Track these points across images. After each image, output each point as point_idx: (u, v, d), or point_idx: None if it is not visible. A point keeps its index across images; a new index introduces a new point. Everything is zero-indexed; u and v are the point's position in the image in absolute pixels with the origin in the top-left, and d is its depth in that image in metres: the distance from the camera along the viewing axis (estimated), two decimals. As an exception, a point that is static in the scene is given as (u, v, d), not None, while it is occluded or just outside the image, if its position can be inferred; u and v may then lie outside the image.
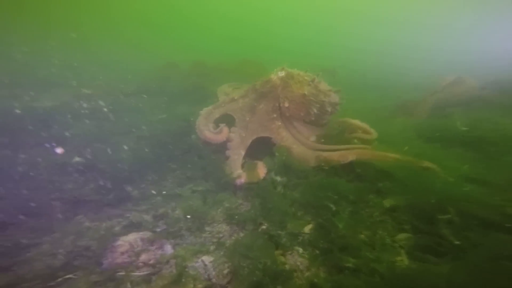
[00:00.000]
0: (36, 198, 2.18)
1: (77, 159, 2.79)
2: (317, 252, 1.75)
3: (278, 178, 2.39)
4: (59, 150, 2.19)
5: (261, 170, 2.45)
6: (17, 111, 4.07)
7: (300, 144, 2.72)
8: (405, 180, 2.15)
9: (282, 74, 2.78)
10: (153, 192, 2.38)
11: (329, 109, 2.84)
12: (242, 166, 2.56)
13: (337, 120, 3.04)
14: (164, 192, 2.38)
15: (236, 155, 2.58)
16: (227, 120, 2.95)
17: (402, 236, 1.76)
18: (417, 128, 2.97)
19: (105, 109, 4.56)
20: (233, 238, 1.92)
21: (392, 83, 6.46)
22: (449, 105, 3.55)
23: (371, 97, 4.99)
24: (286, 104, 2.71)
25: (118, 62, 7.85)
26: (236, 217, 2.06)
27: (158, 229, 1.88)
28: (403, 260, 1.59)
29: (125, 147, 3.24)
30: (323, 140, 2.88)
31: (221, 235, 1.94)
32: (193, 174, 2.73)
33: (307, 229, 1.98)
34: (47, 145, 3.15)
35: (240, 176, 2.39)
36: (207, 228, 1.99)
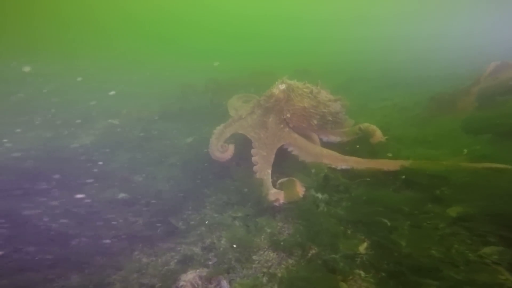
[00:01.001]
0: (96, 235, 2.30)
1: (122, 195, 2.95)
2: (383, 274, 1.57)
3: (320, 196, 2.28)
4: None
5: (300, 188, 2.36)
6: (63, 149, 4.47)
7: (314, 145, 2.72)
8: (467, 184, 1.90)
9: (283, 87, 2.81)
10: (196, 222, 2.39)
11: (330, 119, 2.81)
12: (274, 185, 2.51)
13: (357, 126, 3.01)
14: (206, 222, 2.38)
15: (265, 176, 2.57)
16: (238, 136, 2.95)
17: (489, 250, 1.49)
18: (466, 124, 2.68)
19: (135, 140, 4.83)
20: (282, 266, 1.83)
21: (415, 78, 6.04)
22: (499, 93, 3.17)
23: (396, 94, 4.71)
24: (288, 115, 2.77)
25: (134, 88, 8.22)
26: (282, 243, 1.97)
27: (210, 263, 1.86)
28: (509, 279, 1.32)
29: (160, 177, 3.37)
30: (358, 146, 2.82)
31: (269, 264, 1.87)
32: (229, 198, 2.72)
33: (362, 248, 1.83)
34: (96, 184, 3.37)
35: (278, 198, 2.33)
36: (254, 257, 1.94)
